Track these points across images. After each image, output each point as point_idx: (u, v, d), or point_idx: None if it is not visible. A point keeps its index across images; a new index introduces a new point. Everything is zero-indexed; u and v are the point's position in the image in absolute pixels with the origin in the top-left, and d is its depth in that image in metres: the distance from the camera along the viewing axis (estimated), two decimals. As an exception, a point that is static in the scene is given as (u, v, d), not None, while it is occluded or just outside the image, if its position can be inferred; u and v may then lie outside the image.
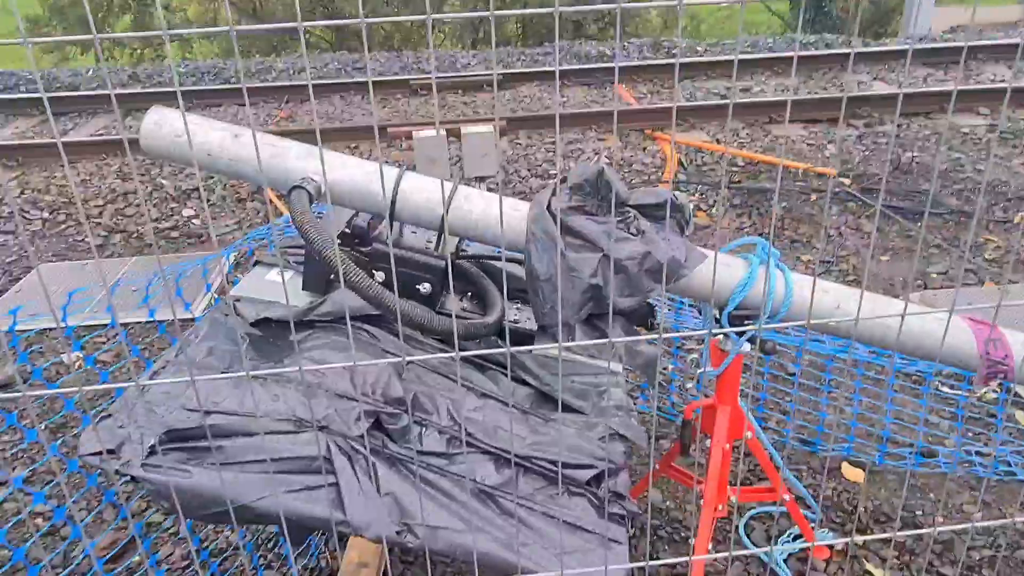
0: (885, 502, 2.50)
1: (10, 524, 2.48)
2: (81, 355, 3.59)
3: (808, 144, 5.98)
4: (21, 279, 4.54)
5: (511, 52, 9.75)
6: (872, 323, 1.82)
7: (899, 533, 1.93)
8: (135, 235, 5.18)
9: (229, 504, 1.31)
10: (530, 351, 1.49)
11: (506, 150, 6.18)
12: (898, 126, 6.33)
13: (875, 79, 7.87)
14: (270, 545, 2.36)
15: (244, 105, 7.56)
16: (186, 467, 1.36)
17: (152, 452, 1.36)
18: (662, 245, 1.72)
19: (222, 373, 1.62)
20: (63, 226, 5.30)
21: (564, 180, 1.83)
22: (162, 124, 1.83)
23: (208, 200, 5.58)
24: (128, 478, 1.37)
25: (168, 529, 2.50)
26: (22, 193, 5.71)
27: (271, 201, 5.47)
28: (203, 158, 1.83)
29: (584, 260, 1.68)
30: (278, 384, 1.55)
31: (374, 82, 8.15)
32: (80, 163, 6.23)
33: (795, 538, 2.32)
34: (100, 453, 1.34)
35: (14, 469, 2.74)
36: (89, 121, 7.61)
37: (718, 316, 1.92)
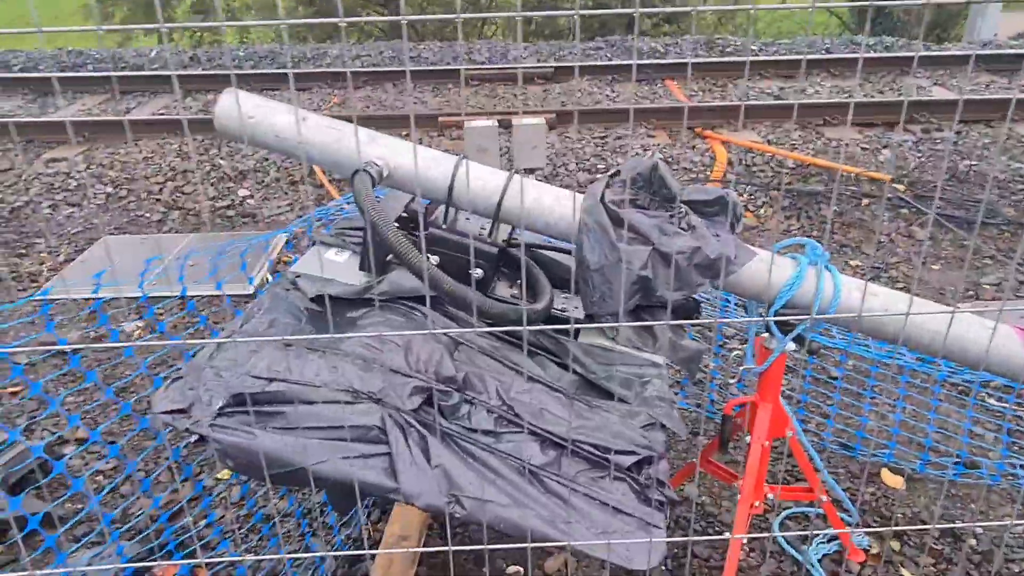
0: (924, 509, 2.49)
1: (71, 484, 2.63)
2: (141, 324, 3.75)
3: (862, 148, 5.88)
4: (85, 250, 4.74)
5: (563, 45, 9.75)
6: (920, 328, 1.83)
7: (936, 525, 1.92)
8: (192, 212, 5.36)
9: (289, 466, 1.39)
10: (602, 326, 1.54)
11: (554, 143, 6.21)
12: (956, 133, 6.19)
13: (935, 84, 7.68)
14: (315, 514, 2.46)
15: (300, 90, 7.73)
16: (251, 430, 1.44)
17: (220, 413, 1.45)
18: (712, 241, 1.75)
19: (284, 345, 1.70)
20: (125, 201, 5.51)
21: (617, 173, 1.87)
22: (235, 106, 1.92)
23: (262, 182, 5.74)
24: (196, 437, 1.46)
25: (220, 494, 2.61)
26: (88, 168, 5.93)
27: (322, 184, 5.60)
28: (271, 139, 1.92)
29: (635, 252, 1.72)
30: (336, 357, 1.62)
31: (427, 71, 8.25)
32: (142, 141, 6.45)
33: (830, 540, 2.32)
34: (175, 412, 1.43)
35: (77, 430, 2.89)
36: (151, 100, 7.85)
37: (764, 314, 1.95)
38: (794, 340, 1.86)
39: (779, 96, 7.52)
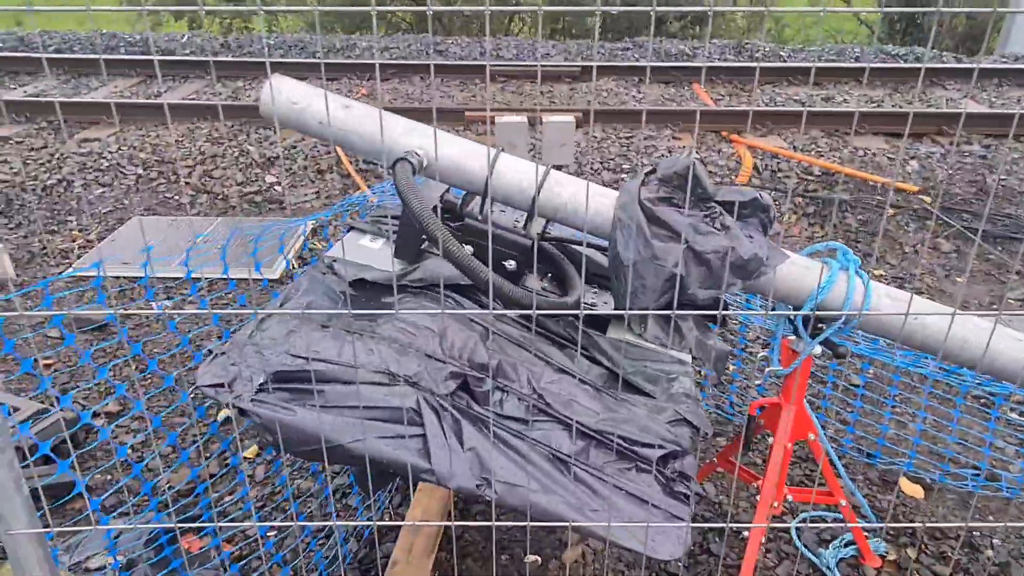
0: (942, 520, 2.49)
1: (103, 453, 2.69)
2: (170, 304, 3.82)
3: (889, 158, 5.85)
4: (116, 229, 4.82)
5: (590, 45, 9.76)
6: (950, 336, 1.83)
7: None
8: (220, 196, 5.43)
9: (327, 443, 1.43)
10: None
11: (580, 141, 6.23)
12: (985, 147, 6.14)
13: (965, 96, 7.61)
14: (339, 496, 2.50)
15: (328, 80, 7.79)
16: (290, 406, 1.48)
17: (261, 389, 1.49)
18: (746, 242, 1.77)
19: (321, 326, 1.74)
20: (155, 182, 5.59)
21: (654, 171, 1.89)
22: (280, 91, 1.96)
23: (290, 169, 5.80)
24: (225, 417, 1.50)
25: (246, 472, 2.67)
26: (119, 149, 6.03)
27: (349, 173, 5.65)
28: (314, 126, 1.96)
29: (669, 250, 1.74)
30: (373, 340, 1.66)
31: (453, 66, 8.29)
32: (173, 124, 6.54)
33: (847, 544, 2.34)
34: (218, 385, 1.47)
35: (108, 404, 2.96)
36: (181, 85, 7.95)
37: (792, 317, 1.97)
38: (822, 344, 1.88)
39: (805, 103, 7.48)
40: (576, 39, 11.59)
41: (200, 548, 2.35)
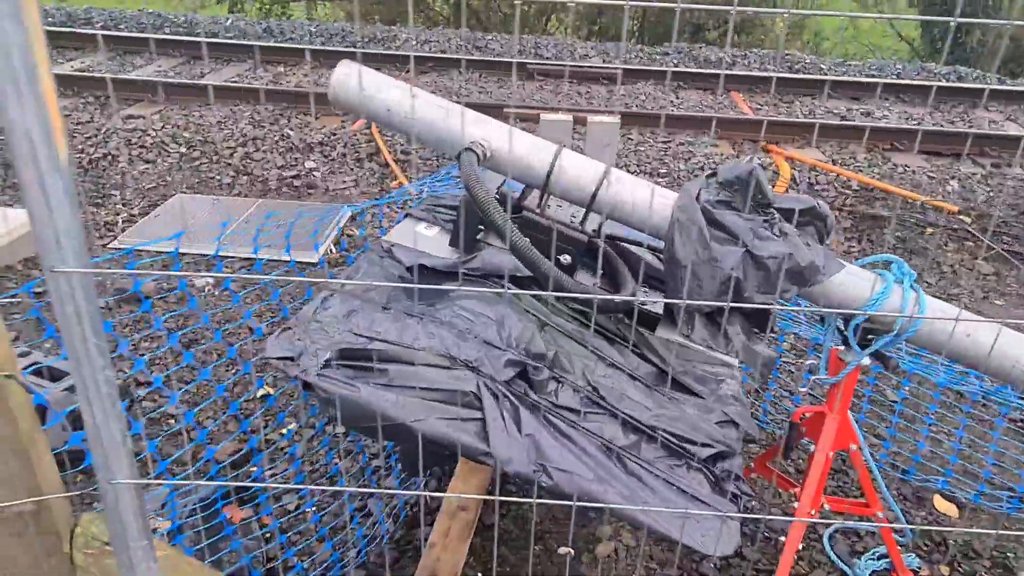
0: (976, 539, 2.49)
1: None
2: (211, 281, 3.89)
3: (929, 176, 5.81)
4: (158, 205, 4.91)
5: (629, 48, 9.75)
6: (999, 354, 1.84)
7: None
8: (260, 179, 5.51)
9: (388, 421, 1.47)
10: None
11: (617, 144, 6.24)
12: (1027, 170, 6.07)
13: (1007, 119, 7.53)
14: (375, 479, 2.54)
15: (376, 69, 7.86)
16: (353, 383, 1.52)
17: (327, 365, 1.53)
18: (804, 249, 1.79)
19: (382, 308, 1.78)
20: (197, 162, 5.68)
21: (714, 174, 1.91)
22: (350, 77, 2.00)
23: (329, 155, 5.87)
24: (302, 384, 1.54)
25: (282, 448, 2.72)
26: (163, 127, 6.13)
27: (387, 163, 5.71)
28: (382, 113, 1.99)
29: (727, 252, 1.76)
30: (433, 324, 1.70)
31: (492, 62, 8.32)
32: (215, 105, 6.64)
33: (879, 557, 2.34)
34: (286, 359, 1.52)
35: (152, 372, 3.03)
36: (223, 68, 8.06)
37: (842, 327, 1.98)
38: (872, 356, 1.89)
39: (845, 116, 7.44)
40: (614, 41, 11.58)
41: (242, 519, 2.41)
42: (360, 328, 1.65)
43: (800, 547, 2.33)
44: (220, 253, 4.19)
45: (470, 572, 2.26)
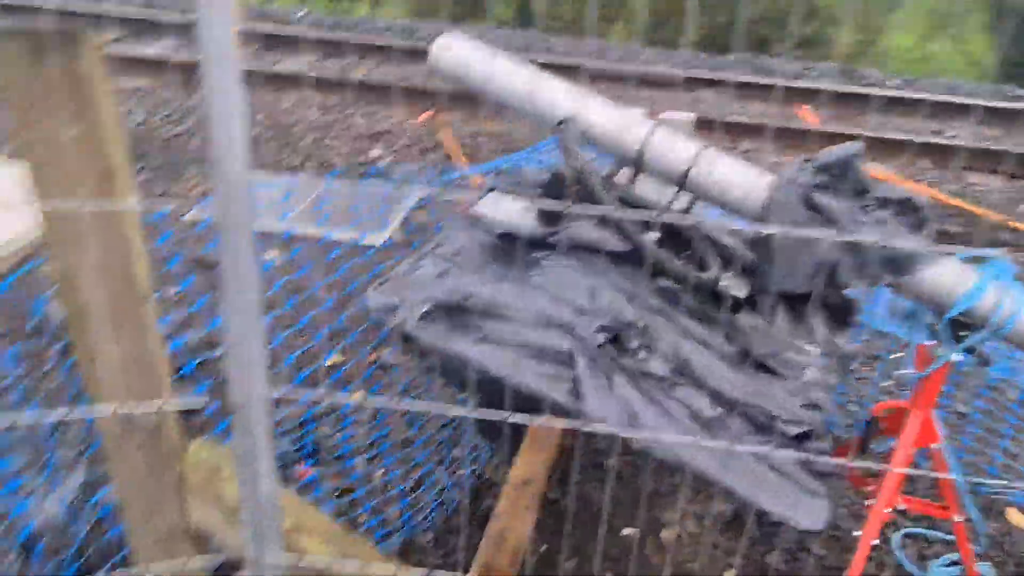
0: (1052, 557, 2.42)
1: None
2: (276, 254, 3.99)
3: (1007, 197, 5.65)
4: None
5: (696, 56, 9.71)
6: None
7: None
8: (328, 164, 5.63)
9: (483, 373, 1.50)
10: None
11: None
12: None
13: (1087, 144, 7.27)
14: (441, 448, 2.58)
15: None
16: (451, 335, 1.55)
17: (424, 317, 1.57)
18: (901, 237, 1.77)
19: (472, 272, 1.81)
20: (268, 144, 5.83)
21: (810, 160, 1.90)
22: (451, 47, 2.05)
23: (394, 145, 5.97)
24: (401, 336, 1.58)
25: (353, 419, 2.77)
26: (236, 110, 6.29)
27: (449, 156, 5.78)
28: (480, 82, 2.04)
29: (823, 236, 1.75)
30: (527, 288, 1.72)
31: (555, 64, 8.36)
32: (285, 92, 6.81)
33: (951, 564, 2.29)
34: (388, 309, 1.56)
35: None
36: (293, 58, 8.25)
37: (934, 321, 1.94)
38: (965, 352, 1.85)
39: (917, 133, 7.28)
40: (680, 49, 11.52)
41: (308, 476, 2.47)
42: (453, 288, 1.69)
43: (874, 543, 2.29)
44: (289, 233, 4.29)
45: (532, 547, 2.27)
